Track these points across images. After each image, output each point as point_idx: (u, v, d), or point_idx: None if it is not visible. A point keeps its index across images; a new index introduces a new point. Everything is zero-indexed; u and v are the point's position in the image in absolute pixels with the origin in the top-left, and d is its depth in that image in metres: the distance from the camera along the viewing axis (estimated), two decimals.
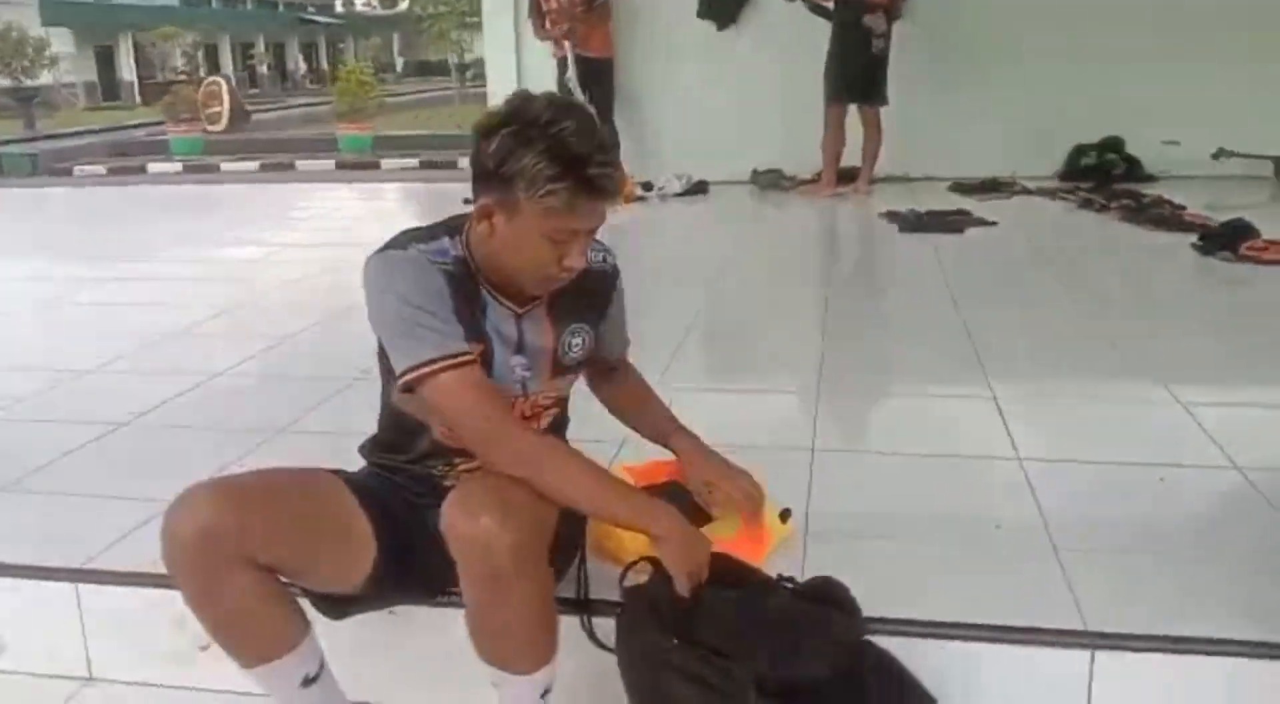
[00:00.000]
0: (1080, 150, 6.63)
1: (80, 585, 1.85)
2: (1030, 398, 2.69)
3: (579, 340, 1.62)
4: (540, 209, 1.38)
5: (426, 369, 1.42)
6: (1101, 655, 1.55)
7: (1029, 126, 6.71)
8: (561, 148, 1.35)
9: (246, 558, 1.41)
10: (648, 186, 6.65)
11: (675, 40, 7.09)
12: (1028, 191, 6.25)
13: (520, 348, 1.55)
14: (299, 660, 1.50)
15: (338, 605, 1.59)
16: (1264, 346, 3.12)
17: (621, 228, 5.91)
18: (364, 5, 44.91)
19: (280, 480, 1.55)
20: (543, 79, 6.55)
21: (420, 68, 43.18)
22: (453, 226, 1.54)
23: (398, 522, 1.59)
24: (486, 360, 1.51)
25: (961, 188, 6.42)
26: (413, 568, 1.60)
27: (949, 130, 6.72)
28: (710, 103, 7.06)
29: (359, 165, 12.59)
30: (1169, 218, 5.03)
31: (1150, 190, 6.02)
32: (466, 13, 18.99)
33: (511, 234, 1.43)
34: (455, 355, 1.43)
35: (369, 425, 1.70)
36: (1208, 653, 1.54)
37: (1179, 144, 6.55)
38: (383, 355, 1.57)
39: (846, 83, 6.18)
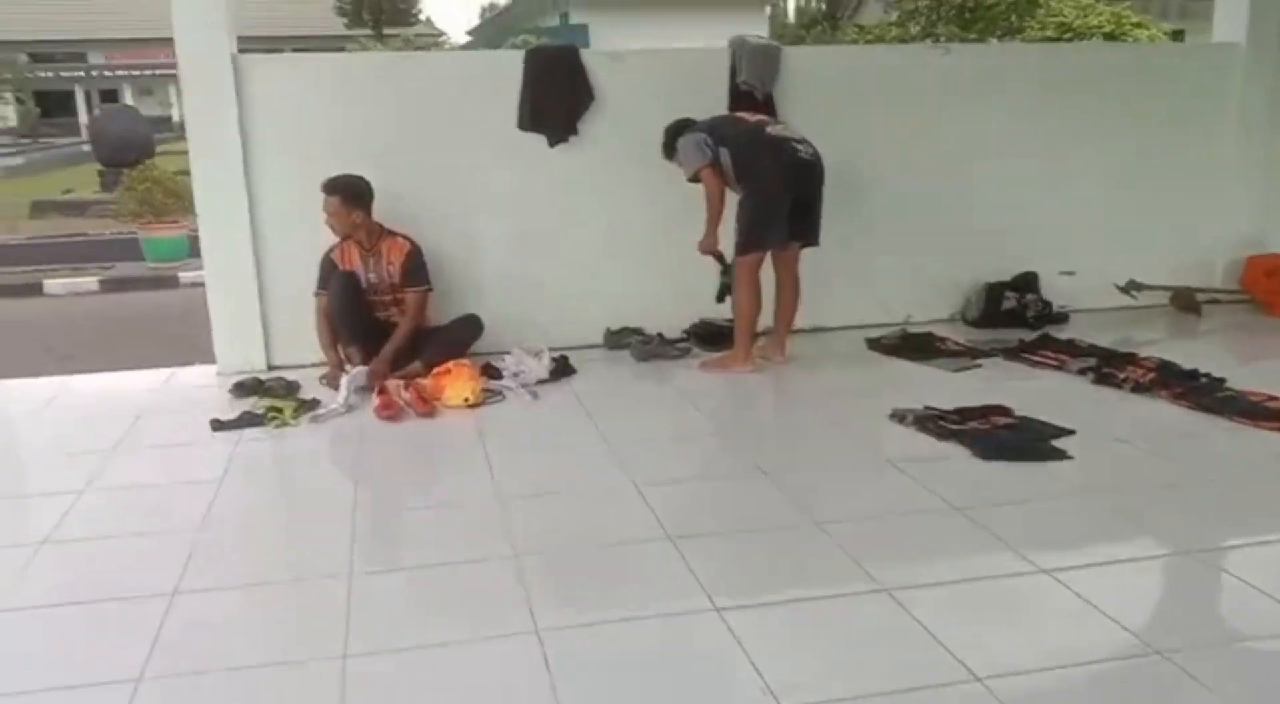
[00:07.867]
0: (993, 291, 5.56)
1: None
2: None
3: None
4: None
5: None
6: None
7: (929, 268, 5.63)
8: None
9: None
10: (494, 374, 4.56)
11: (491, 168, 5.12)
12: (977, 352, 4.93)
13: None
14: None
15: None
16: None
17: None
18: None
19: None
20: None
21: None
22: None
23: None
24: None
25: (881, 346, 5.11)
26: None
27: (857, 277, 5.48)
28: (544, 247, 5.20)
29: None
30: (1251, 408, 3.85)
31: (1064, 333, 5.16)
32: None
33: None
34: None
35: None
36: None
37: (1075, 274, 5.79)
38: None
39: (774, 220, 4.55)
